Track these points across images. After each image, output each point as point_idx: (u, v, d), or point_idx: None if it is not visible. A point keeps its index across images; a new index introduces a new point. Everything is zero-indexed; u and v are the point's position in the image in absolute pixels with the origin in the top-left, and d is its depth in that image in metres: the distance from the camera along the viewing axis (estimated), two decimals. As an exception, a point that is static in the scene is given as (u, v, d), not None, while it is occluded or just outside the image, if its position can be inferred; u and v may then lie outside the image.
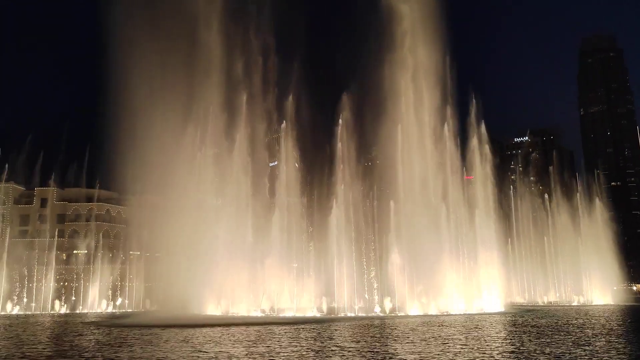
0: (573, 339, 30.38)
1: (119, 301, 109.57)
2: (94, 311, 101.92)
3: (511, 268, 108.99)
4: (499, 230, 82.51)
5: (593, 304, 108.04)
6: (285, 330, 38.45)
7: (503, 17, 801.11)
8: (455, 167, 74.06)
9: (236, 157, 71.10)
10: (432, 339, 30.33)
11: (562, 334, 33.88)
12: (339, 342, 29.64)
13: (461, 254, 70.69)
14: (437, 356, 22.98)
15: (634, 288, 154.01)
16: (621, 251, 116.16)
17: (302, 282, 73.49)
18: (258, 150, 73.59)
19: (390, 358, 22.68)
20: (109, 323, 52.64)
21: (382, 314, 63.48)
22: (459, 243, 70.90)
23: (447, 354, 23.74)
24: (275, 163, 79.54)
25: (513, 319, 52.06)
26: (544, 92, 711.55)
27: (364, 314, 64.18)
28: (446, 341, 29.16)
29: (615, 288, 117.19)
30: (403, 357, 23.02)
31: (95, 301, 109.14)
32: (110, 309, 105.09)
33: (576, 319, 51.53)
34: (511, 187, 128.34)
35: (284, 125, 74.59)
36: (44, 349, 28.21)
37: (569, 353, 23.71)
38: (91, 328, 44.65)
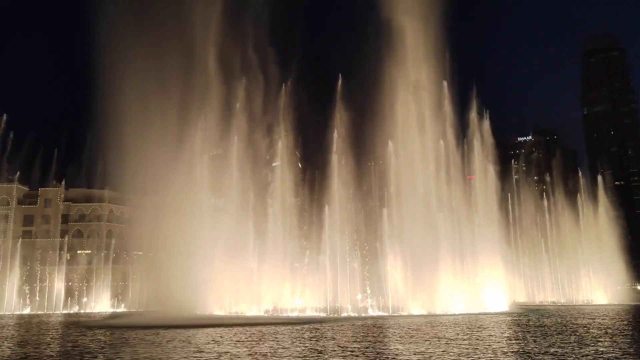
0: (578, 338, 30.24)
1: (122, 301, 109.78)
2: (97, 311, 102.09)
3: (515, 268, 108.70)
4: (502, 230, 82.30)
5: (597, 303, 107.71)
6: (288, 330, 38.38)
7: (505, 17, 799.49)
8: (457, 166, 73.88)
9: (238, 158, 71.13)
10: (436, 339, 30.22)
11: (566, 333, 33.73)
12: (341, 342, 29.55)
13: (464, 253, 70.49)
14: (441, 356, 22.87)
15: (639, 287, 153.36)
16: (625, 250, 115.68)
17: (304, 282, 73.45)
18: (259, 150, 73.63)
19: (394, 358, 22.59)
20: (111, 324, 52.64)
21: (385, 314, 63.36)
22: (462, 243, 70.71)
23: (451, 354, 23.62)
24: (277, 163, 79.48)
25: (517, 318, 51.86)
26: (547, 91, 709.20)
27: (366, 314, 64.10)
28: (450, 341, 29.03)
29: (619, 287, 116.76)
30: (407, 357, 22.92)
31: (99, 301, 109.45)
32: (113, 309, 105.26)
33: (580, 318, 51.32)
34: (514, 187, 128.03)
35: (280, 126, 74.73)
36: (45, 349, 28.21)
37: (574, 353, 23.58)
38: (94, 329, 44.63)
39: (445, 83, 73.13)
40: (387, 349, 26.23)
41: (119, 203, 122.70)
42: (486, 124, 79.52)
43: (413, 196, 68.34)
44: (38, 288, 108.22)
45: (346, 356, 23.13)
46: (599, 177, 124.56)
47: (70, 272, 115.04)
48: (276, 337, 32.71)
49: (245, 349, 26.40)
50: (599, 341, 28.63)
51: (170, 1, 70.13)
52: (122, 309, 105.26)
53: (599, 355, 22.70)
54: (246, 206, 70.74)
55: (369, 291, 73.04)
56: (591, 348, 25.40)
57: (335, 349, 25.95)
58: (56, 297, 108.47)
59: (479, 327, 39.55)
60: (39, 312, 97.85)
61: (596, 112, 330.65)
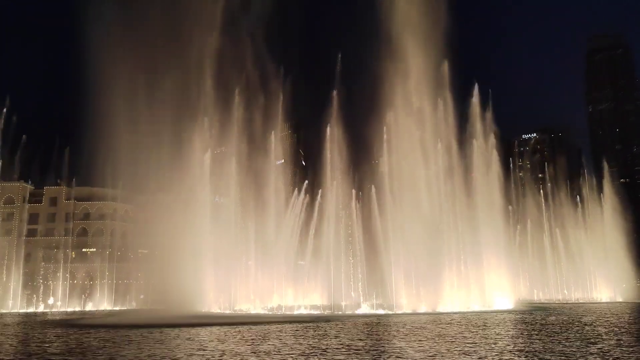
0: (583, 336, 30.07)
1: (127, 299, 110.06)
2: (102, 309, 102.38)
3: (520, 265, 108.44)
4: (506, 227, 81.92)
5: (602, 301, 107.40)
6: (292, 329, 38.33)
7: (509, 15, 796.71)
8: (462, 163, 73.56)
9: (242, 156, 71.15)
10: (440, 337, 30.10)
11: (572, 331, 33.55)
12: (345, 339, 29.46)
13: (468, 251, 70.20)
14: (445, 354, 22.76)
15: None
16: (631, 247, 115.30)
17: (308, 280, 73.47)
18: (263, 148, 73.63)
19: (398, 356, 22.48)
20: (113, 322, 52.74)
21: (389, 312, 63.24)
22: (465, 240, 70.43)
23: (455, 352, 23.50)
24: (282, 161, 79.46)
25: (522, 316, 51.65)
26: (551, 89, 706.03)
27: (370, 312, 64.01)
28: (454, 339, 28.91)
29: (624, 285, 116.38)
30: (411, 355, 22.81)
31: (104, 299, 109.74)
32: (119, 307, 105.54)
33: (586, 316, 51.08)
34: (519, 184, 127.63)
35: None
36: (48, 346, 28.23)
37: (580, 351, 23.43)
38: (99, 327, 44.69)
39: (445, 65, 72.07)
40: (390, 347, 26.12)
41: (124, 201, 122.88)
42: (489, 116, 78.82)
43: (415, 193, 68.05)
44: (42, 286, 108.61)
45: (350, 354, 23.04)
46: (604, 175, 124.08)
47: (76, 271, 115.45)
48: (280, 335, 32.65)
49: (249, 347, 26.35)
50: (605, 339, 28.44)
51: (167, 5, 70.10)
52: (129, 306, 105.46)
53: (605, 354, 22.54)
54: (250, 204, 70.76)
55: (371, 293, 73.00)
56: (597, 347, 25.22)
57: (338, 346, 25.87)
58: (60, 295, 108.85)
59: (483, 325, 39.39)
60: (45, 310, 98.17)
61: (601, 110, 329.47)
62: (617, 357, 21.48)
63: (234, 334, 34.20)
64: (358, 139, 75.99)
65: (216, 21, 71.04)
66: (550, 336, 30.37)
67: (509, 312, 61.50)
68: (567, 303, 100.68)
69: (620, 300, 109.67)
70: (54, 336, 34.90)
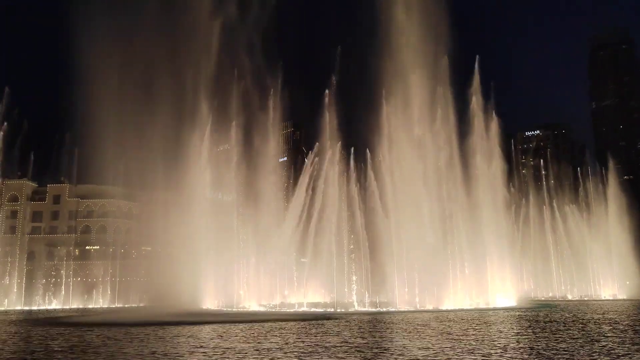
0: (587, 334, 29.90)
1: (129, 296, 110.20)
2: (106, 306, 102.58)
3: (522, 263, 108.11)
4: (509, 225, 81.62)
5: (606, 298, 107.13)
6: (295, 326, 38.26)
7: (513, 11, 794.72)
8: (464, 159, 73.24)
9: (244, 153, 71.15)
10: (444, 335, 29.97)
11: (575, 329, 33.38)
12: (348, 337, 29.36)
13: (472, 248, 69.93)
14: (449, 351, 22.62)
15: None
16: (635, 244, 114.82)
17: (310, 278, 73.35)
18: (266, 145, 73.51)
19: (401, 353, 22.36)
20: (116, 319, 52.77)
21: (392, 309, 63.15)
22: (469, 238, 70.17)
23: (458, 349, 23.37)
24: (285, 158, 79.32)
25: (525, 314, 51.49)
26: (555, 86, 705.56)
27: (373, 309, 63.93)
28: (459, 337, 28.78)
29: (628, 282, 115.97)
30: (414, 352, 22.68)
31: (107, 297, 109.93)
32: (121, 304, 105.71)
33: (590, 313, 50.89)
34: (522, 181, 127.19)
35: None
36: (50, 344, 28.21)
37: (583, 349, 23.27)
38: (101, 324, 44.73)
39: (445, 59, 71.63)
40: (393, 345, 26.01)
41: (127, 199, 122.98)
42: (494, 117, 78.30)
43: (414, 188, 67.78)
44: (45, 284, 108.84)
45: (353, 352, 22.93)
46: (609, 171, 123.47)
47: (80, 268, 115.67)
48: (283, 333, 32.58)
49: (251, 345, 26.27)
50: (609, 337, 28.27)
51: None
52: (132, 304, 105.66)
53: (609, 352, 22.37)
54: (252, 202, 70.72)
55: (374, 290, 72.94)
56: (601, 344, 25.05)
57: (340, 344, 25.76)
58: (63, 292, 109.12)
59: (486, 323, 39.25)
60: (49, 308, 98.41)
61: (605, 106, 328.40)
62: (622, 355, 21.30)
63: (237, 331, 34.16)
64: (356, 136, 75.68)
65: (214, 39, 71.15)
66: (554, 334, 30.21)
67: (512, 309, 61.35)
68: (570, 300, 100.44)
69: (624, 297, 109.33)
70: (57, 333, 34.90)
